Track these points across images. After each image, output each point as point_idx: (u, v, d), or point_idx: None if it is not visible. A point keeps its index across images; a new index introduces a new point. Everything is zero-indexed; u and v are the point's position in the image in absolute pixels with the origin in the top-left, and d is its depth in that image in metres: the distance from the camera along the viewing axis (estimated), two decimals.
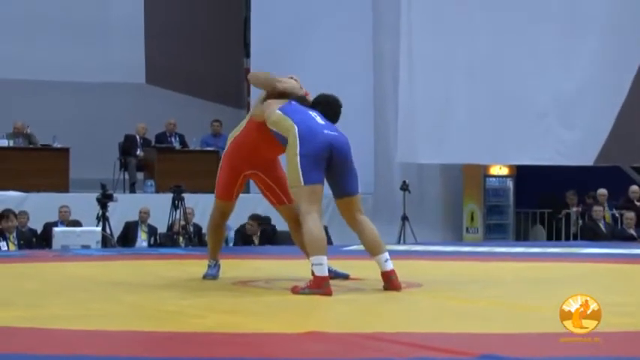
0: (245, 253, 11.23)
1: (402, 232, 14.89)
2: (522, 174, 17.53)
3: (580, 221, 15.87)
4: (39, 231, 13.00)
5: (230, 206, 6.65)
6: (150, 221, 13.80)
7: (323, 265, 5.68)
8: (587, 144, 15.47)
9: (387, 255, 5.87)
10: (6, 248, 11.86)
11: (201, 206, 14.23)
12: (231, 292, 6.09)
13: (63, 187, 14.43)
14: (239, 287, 6.23)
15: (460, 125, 14.81)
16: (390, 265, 5.85)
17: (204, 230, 14.13)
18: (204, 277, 6.63)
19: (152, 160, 15.19)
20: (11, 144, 14.69)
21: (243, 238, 13.33)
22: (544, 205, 17.06)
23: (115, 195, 13.20)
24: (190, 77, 18.53)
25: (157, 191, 14.81)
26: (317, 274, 5.67)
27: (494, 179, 17.71)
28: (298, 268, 8.02)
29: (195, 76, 18.58)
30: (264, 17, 16.85)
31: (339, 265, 6.95)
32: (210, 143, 15.91)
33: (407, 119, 15.01)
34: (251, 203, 14.49)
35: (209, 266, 6.70)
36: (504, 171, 17.68)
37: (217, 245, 6.77)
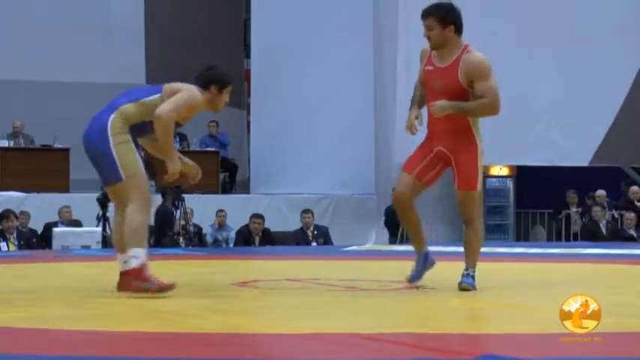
0: (245, 253, 11.24)
1: (403, 232, 14.89)
2: (522, 175, 17.54)
3: (581, 221, 15.87)
4: (39, 231, 12.99)
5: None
6: (150, 222, 13.78)
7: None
8: (584, 145, 15.50)
9: (129, 252, 5.56)
10: (6, 248, 11.86)
11: (201, 207, 14.24)
12: (231, 292, 6.08)
13: (63, 187, 14.43)
14: (239, 288, 6.23)
15: None
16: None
17: (204, 230, 14.16)
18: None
19: (152, 160, 15.18)
20: (11, 144, 14.69)
21: (244, 239, 13.33)
22: (544, 205, 17.06)
23: None
24: (190, 78, 18.52)
25: (157, 191, 14.80)
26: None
27: (494, 180, 17.72)
28: (298, 268, 8.03)
29: (195, 76, 18.58)
30: (265, 18, 16.85)
31: (339, 266, 6.95)
32: (209, 144, 15.92)
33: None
34: (252, 203, 14.52)
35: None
36: (505, 171, 17.70)
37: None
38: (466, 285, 5.89)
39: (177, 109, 5.61)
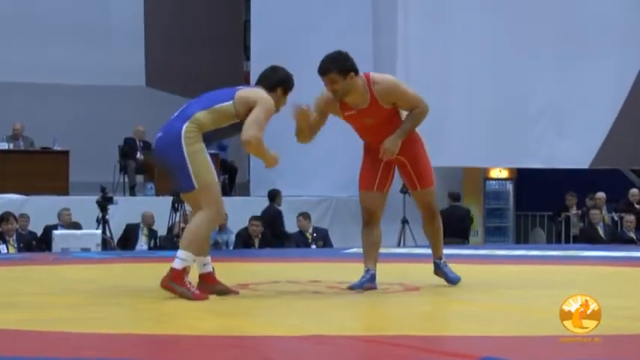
0: (245, 255, 11.23)
1: (402, 234, 14.89)
2: (522, 177, 17.55)
3: (580, 224, 15.87)
4: (39, 234, 12.98)
5: None
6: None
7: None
8: (584, 147, 15.51)
9: (178, 252, 5.61)
10: (6, 251, 11.86)
11: None
12: (231, 294, 6.07)
13: (63, 189, 14.42)
14: (239, 290, 6.22)
15: (458, 129, 14.81)
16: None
17: None
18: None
19: (152, 163, 15.18)
20: (11, 147, 14.69)
21: (243, 241, 13.33)
22: (544, 208, 17.07)
23: (114, 198, 13.21)
24: (190, 80, 18.52)
25: (157, 194, 14.81)
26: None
27: (494, 182, 17.73)
28: (299, 270, 8.03)
29: (195, 78, 18.57)
30: (264, 20, 16.86)
31: (339, 269, 6.95)
32: (208, 145, 15.91)
33: None
34: (251, 206, 14.51)
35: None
36: (504, 174, 17.71)
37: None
38: (455, 278, 6.40)
39: (261, 127, 5.65)
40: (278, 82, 5.85)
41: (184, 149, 5.58)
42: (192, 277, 5.66)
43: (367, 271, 6.16)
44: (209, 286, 5.75)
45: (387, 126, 6.10)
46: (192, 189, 5.61)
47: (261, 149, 5.69)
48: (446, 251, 6.59)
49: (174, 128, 5.63)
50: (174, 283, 5.47)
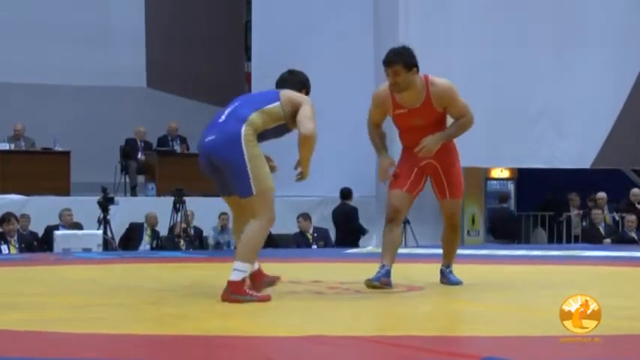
0: None
1: (404, 235, 14.89)
2: (523, 177, 17.53)
3: (583, 223, 15.86)
4: (40, 234, 12.99)
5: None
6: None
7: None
8: (585, 147, 15.50)
9: (234, 264, 5.50)
10: (7, 251, 11.86)
11: (202, 209, 14.24)
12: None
13: (64, 190, 14.43)
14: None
15: None
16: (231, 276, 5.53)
17: (205, 233, 14.16)
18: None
19: (153, 163, 15.20)
20: (12, 147, 14.70)
21: None
22: (545, 208, 17.06)
23: (116, 198, 13.22)
24: (191, 81, 18.55)
25: (158, 194, 14.81)
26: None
27: (495, 182, 17.71)
28: (299, 270, 8.02)
29: (196, 79, 18.60)
30: (265, 21, 16.85)
31: (340, 269, 6.94)
32: None
33: None
34: None
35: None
36: (505, 174, 17.70)
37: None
38: (456, 281, 6.49)
39: (315, 122, 5.64)
40: (301, 84, 5.89)
41: (245, 152, 5.46)
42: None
43: (382, 266, 6.19)
44: (258, 283, 5.76)
45: (433, 129, 6.22)
46: (249, 195, 5.48)
47: (314, 146, 5.65)
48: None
49: (232, 129, 5.51)
50: (236, 294, 5.41)
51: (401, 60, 6.01)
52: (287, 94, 5.71)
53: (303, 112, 5.59)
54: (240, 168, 5.46)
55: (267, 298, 5.51)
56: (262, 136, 5.62)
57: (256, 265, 5.81)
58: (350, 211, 14.90)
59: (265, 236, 5.70)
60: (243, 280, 5.45)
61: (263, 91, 5.95)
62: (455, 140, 6.40)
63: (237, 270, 5.44)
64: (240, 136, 5.48)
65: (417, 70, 6.10)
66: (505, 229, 14.94)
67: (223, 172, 5.58)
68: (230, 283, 5.43)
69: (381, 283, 6.08)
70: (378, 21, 15.86)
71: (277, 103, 5.64)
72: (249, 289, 5.49)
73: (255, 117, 5.57)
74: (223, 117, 5.65)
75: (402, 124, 6.32)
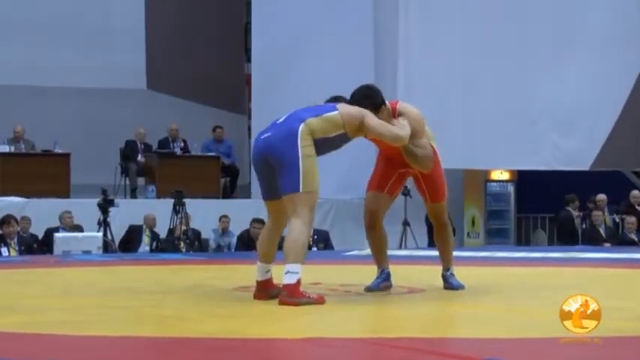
0: (246, 258, 11.22)
1: (404, 237, 14.88)
2: (523, 179, 17.54)
3: (583, 225, 15.84)
4: (40, 236, 12.98)
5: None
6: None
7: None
8: (585, 149, 15.50)
9: (286, 267, 5.54)
10: (7, 254, 11.85)
11: (201, 211, 14.23)
12: (231, 297, 6.09)
13: (64, 192, 14.41)
14: (240, 293, 6.23)
15: (459, 131, 14.81)
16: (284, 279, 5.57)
17: (203, 235, 14.15)
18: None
19: (153, 165, 15.19)
20: (12, 149, 14.69)
21: (244, 243, 13.33)
22: (545, 209, 17.05)
23: (116, 200, 13.21)
24: (191, 82, 18.54)
25: (158, 196, 14.81)
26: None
27: (495, 184, 17.72)
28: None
29: (196, 81, 18.59)
30: (265, 23, 16.84)
31: (340, 271, 6.93)
32: (212, 149, 15.91)
33: None
34: (253, 208, 14.50)
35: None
36: (505, 176, 17.70)
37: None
38: (458, 286, 6.40)
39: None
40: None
41: (300, 149, 5.52)
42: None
43: (382, 271, 6.29)
44: (266, 292, 5.75)
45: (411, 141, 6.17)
46: (295, 190, 5.51)
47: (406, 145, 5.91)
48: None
49: (290, 127, 5.58)
50: (294, 297, 5.44)
51: (370, 104, 5.94)
52: (347, 109, 5.79)
53: (383, 125, 5.82)
54: (292, 163, 5.52)
55: (322, 301, 5.53)
56: (323, 145, 5.68)
57: (269, 275, 5.82)
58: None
59: (309, 236, 5.75)
60: (298, 281, 5.49)
61: (320, 104, 5.97)
62: (435, 144, 6.32)
63: (290, 272, 5.48)
64: (297, 133, 5.56)
65: (385, 105, 6.05)
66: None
67: (275, 169, 5.60)
68: (286, 287, 5.48)
69: (380, 289, 6.19)
70: (378, 21, 15.86)
71: (335, 112, 5.72)
72: (305, 292, 5.52)
73: (313, 120, 5.64)
74: (282, 119, 5.74)
75: (377, 144, 6.33)
